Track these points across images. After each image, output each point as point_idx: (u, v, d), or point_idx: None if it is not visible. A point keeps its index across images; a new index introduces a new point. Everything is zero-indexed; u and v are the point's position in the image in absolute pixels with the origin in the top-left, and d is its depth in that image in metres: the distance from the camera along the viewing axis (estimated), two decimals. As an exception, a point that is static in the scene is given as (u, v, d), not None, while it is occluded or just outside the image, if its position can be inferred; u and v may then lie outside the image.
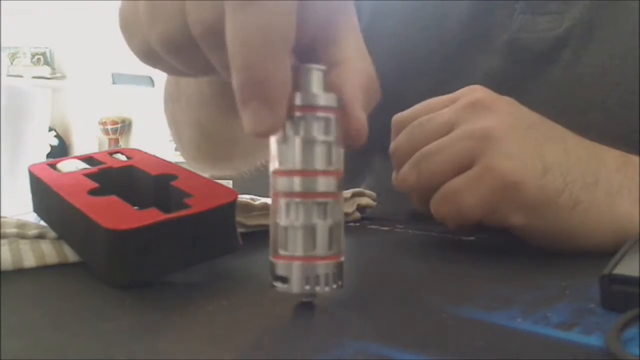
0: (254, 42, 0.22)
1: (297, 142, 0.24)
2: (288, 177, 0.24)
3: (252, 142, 0.25)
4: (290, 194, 0.24)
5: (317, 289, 0.24)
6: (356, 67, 0.26)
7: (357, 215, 0.50)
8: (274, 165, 0.24)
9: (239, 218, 0.36)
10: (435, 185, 0.35)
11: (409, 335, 0.22)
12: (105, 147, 3.46)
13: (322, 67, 0.25)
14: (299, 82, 0.24)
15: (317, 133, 0.24)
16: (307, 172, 0.24)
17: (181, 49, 0.25)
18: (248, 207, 0.40)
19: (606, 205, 0.35)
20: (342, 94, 0.25)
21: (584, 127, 0.48)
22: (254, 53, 0.22)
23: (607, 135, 0.44)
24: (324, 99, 0.24)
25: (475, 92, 0.37)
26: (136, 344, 0.21)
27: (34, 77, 3.16)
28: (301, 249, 0.24)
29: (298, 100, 0.24)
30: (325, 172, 0.24)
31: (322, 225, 0.24)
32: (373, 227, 0.47)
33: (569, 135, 0.37)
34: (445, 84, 0.55)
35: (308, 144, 0.24)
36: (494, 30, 0.53)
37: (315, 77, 0.24)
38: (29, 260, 0.31)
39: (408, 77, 0.57)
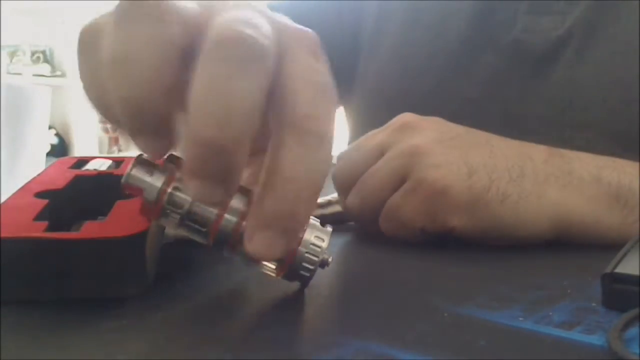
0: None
1: (193, 214, 0.24)
2: (221, 226, 0.24)
3: None
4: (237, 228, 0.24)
5: (324, 243, 0.26)
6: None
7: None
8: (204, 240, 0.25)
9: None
10: (379, 206, 0.37)
11: (410, 334, 0.22)
12: (106, 146, 3.46)
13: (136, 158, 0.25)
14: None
15: (184, 200, 0.24)
16: (220, 215, 0.24)
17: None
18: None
19: (534, 195, 0.36)
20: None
21: (585, 125, 0.48)
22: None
23: (608, 132, 0.44)
24: (157, 177, 0.24)
25: (404, 117, 0.39)
26: (136, 344, 0.21)
27: (33, 76, 3.16)
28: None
29: (152, 198, 0.24)
30: (222, 210, 0.24)
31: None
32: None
33: (495, 139, 0.39)
34: (448, 83, 0.55)
35: (193, 209, 0.24)
36: (498, 30, 0.53)
37: (139, 171, 0.24)
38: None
39: (411, 76, 0.57)
